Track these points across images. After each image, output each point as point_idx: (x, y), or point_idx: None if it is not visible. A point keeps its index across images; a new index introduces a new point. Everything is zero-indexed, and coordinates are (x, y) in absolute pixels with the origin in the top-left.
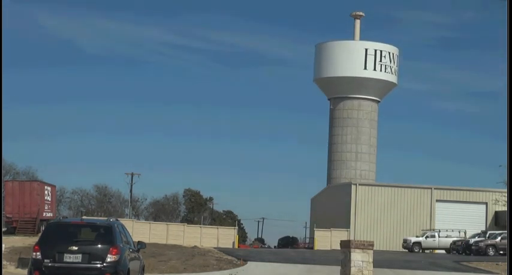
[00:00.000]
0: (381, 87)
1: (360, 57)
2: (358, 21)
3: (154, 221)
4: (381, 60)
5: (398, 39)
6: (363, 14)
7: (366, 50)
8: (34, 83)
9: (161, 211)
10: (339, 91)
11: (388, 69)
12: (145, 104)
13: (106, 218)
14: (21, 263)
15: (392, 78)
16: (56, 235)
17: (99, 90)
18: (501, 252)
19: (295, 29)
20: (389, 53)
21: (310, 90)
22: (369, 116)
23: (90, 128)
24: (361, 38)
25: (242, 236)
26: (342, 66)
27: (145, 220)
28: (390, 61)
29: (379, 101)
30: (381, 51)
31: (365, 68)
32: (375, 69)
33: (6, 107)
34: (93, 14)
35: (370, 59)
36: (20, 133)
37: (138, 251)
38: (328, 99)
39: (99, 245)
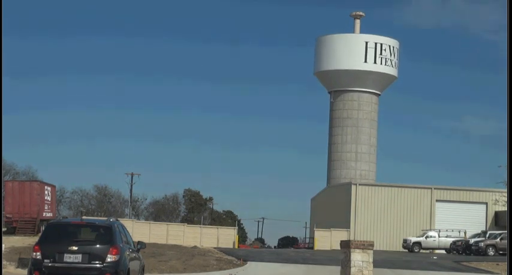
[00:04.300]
0: (381, 81)
1: (360, 50)
2: (358, 21)
3: (154, 221)
4: (381, 54)
5: (399, 34)
6: (363, 14)
7: (366, 43)
8: (35, 81)
9: (161, 211)
10: (339, 84)
11: (389, 63)
12: (145, 104)
13: (106, 218)
14: (21, 263)
15: (392, 71)
16: (56, 235)
17: (100, 90)
18: (501, 252)
19: (296, 25)
20: (389, 46)
21: (311, 90)
22: (369, 116)
23: (91, 128)
24: (361, 30)
25: (242, 236)
26: (343, 60)
27: (145, 220)
28: (390, 54)
29: (379, 95)
30: (381, 44)
31: (365, 61)
32: (375, 62)
33: (7, 107)
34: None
35: (371, 52)
36: (20, 133)
37: (138, 251)
38: (329, 93)
39: (99, 245)
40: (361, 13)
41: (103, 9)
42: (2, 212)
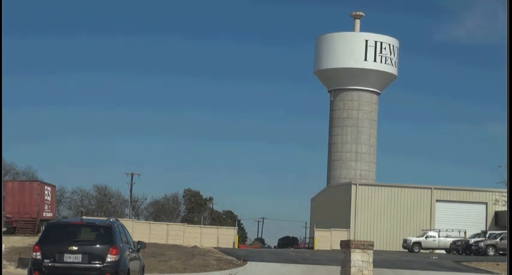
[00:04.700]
0: (381, 79)
1: (360, 49)
2: (358, 21)
3: (154, 221)
4: (381, 52)
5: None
6: (363, 14)
7: (366, 41)
8: (35, 80)
9: (161, 211)
10: (339, 83)
11: (389, 61)
12: (145, 104)
13: (106, 218)
14: (21, 263)
15: (392, 70)
16: (56, 235)
17: (100, 91)
18: (501, 252)
19: (296, 24)
20: (389, 44)
21: (310, 90)
22: (369, 116)
23: (91, 128)
24: (361, 31)
25: (242, 236)
26: (343, 58)
27: (145, 220)
28: (390, 53)
29: (379, 93)
30: (381, 42)
31: (365, 59)
32: (375, 60)
33: (7, 107)
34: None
35: (371, 50)
36: (20, 133)
37: (138, 251)
38: (329, 91)
39: (99, 245)
40: (361, 13)
41: (103, 7)
42: (2, 212)
